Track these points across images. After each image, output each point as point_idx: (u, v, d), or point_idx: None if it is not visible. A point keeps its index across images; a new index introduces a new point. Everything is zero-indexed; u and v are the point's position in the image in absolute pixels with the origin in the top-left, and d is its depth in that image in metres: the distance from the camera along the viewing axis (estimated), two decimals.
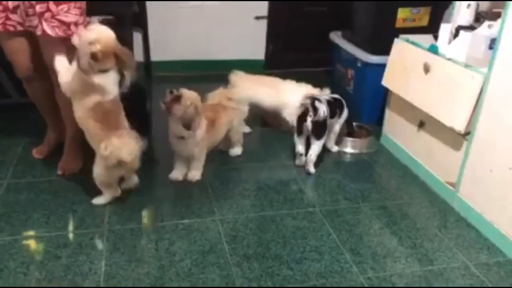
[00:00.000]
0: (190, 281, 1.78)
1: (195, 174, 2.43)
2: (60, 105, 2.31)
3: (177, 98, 2.21)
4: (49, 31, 2.03)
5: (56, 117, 2.43)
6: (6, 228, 2.00)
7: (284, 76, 3.04)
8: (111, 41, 1.96)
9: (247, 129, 3.05)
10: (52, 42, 2.07)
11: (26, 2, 2.02)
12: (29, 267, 1.80)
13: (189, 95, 2.24)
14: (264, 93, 2.87)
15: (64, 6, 2.03)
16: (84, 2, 2.12)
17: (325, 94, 2.82)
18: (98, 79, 1.96)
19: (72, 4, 2.04)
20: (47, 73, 2.19)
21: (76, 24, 2.07)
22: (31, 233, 2.00)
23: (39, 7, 2.01)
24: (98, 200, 2.18)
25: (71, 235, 2.02)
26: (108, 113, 2.02)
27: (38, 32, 2.05)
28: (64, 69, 2.05)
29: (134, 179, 2.29)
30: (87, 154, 2.23)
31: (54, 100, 2.32)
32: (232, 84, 2.97)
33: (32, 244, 1.95)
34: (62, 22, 2.04)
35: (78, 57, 1.94)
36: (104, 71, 1.96)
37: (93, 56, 1.90)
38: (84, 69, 1.93)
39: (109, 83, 2.00)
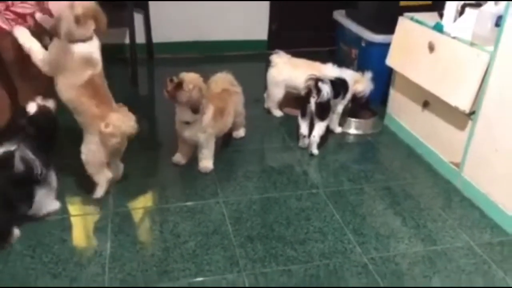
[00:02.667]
0: (195, 263, 1.79)
1: (207, 164, 2.38)
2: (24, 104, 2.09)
3: (179, 85, 2.16)
4: (3, 24, 1.90)
5: None
6: None
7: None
8: (90, 3, 1.87)
9: (279, 113, 3.04)
10: (11, 37, 1.91)
11: None
12: (35, 249, 1.82)
13: (190, 79, 2.19)
14: (303, 75, 2.70)
15: None
16: None
17: (367, 76, 2.82)
18: (84, 47, 1.87)
19: None
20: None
21: (32, 15, 1.94)
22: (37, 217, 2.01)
23: None
24: (98, 192, 2.10)
25: (76, 218, 2.04)
26: (99, 88, 1.95)
27: None
28: (36, 45, 1.89)
29: (120, 167, 2.22)
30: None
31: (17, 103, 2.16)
32: (272, 64, 2.94)
33: (38, 227, 1.97)
34: (17, 14, 1.91)
35: (58, 27, 1.81)
36: (87, 39, 1.88)
37: (76, 19, 1.79)
38: (69, 34, 1.80)
39: (96, 51, 1.92)
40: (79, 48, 1.86)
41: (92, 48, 1.91)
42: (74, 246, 1.87)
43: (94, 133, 1.95)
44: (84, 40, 1.87)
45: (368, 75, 2.85)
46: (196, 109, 2.19)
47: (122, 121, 1.94)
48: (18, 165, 1.77)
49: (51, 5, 2.01)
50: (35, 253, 1.80)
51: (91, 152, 1.99)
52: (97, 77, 1.93)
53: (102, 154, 2.00)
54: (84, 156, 2.00)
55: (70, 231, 1.95)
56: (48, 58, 1.89)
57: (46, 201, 1.94)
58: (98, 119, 1.92)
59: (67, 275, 1.71)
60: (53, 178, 1.95)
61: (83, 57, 1.88)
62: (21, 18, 1.91)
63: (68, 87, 1.90)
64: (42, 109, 1.92)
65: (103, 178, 2.08)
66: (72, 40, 1.84)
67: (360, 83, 2.83)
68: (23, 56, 1.94)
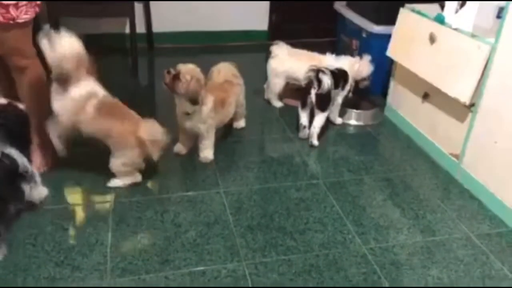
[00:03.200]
0: (195, 252, 1.81)
1: (207, 154, 2.39)
2: (22, 97, 2.11)
3: (176, 76, 2.17)
4: None
5: None
6: None
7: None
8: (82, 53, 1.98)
9: (279, 104, 3.04)
10: None
11: None
12: (37, 238, 1.83)
13: (187, 70, 2.19)
14: (303, 66, 2.71)
15: None
16: None
17: (366, 59, 2.83)
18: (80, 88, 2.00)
19: None
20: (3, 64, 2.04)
21: (16, 6, 1.88)
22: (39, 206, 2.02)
23: None
24: (114, 183, 2.15)
25: (78, 208, 2.05)
26: (114, 107, 2.07)
27: None
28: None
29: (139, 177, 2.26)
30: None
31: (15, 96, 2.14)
32: (273, 55, 2.94)
33: (40, 216, 1.98)
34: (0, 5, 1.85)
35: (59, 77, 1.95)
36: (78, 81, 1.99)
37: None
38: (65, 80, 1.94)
39: (95, 86, 2.05)
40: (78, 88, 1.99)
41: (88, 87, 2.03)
42: (76, 235, 1.89)
43: (126, 147, 2.06)
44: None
45: (367, 57, 2.84)
46: (194, 100, 2.19)
47: (150, 128, 2.07)
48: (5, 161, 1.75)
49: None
50: (36, 242, 1.82)
51: (124, 164, 2.09)
52: (106, 98, 2.07)
53: (136, 162, 2.11)
54: (116, 168, 2.10)
55: (72, 220, 1.96)
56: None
57: (34, 193, 1.95)
58: (125, 133, 2.04)
59: (69, 263, 1.72)
60: (35, 173, 1.95)
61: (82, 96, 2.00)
62: (4, 9, 1.86)
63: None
64: (11, 103, 1.93)
65: (130, 180, 2.16)
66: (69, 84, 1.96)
67: (360, 66, 2.82)
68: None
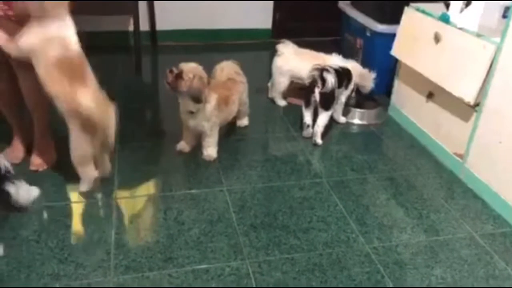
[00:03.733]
0: (199, 250, 1.81)
1: (211, 152, 2.39)
2: (26, 93, 2.09)
3: (179, 75, 2.16)
4: None
5: (22, 113, 2.23)
6: None
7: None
8: None
9: (283, 103, 3.04)
10: None
11: None
12: (40, 235, 1.84)
13: (189, 68, 2.18)
14: (308, 65, 2.70)
15: None
16: None
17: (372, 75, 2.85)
18: (56, 27, 1.82)
19: None
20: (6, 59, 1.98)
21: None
22: (42, 203, 2.03)
23: None
24: (82, 187, 2.07)
25: (81, 205, 2.05)
26: (76, 66, 1.87)
27: None
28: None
29: (107, 165, 2.17)
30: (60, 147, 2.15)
31: (19, 92, 2.11)
32: (278, 53, 2.93)
33: (43, 213, 1.98)
34: (2, 1, 1.83)
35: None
36: (58, 16, 1.81)
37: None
38: (39, 10, 1.75)
39: (70, 32, 1.87)
40: (51, 27, 1.81)
41: (66, 29, 1.85)
42: (79, 232, 1.89)
43: (73, 121, 1.88)
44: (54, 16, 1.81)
45: (373, 74, 2.85)
46: (198, 99, 2.19)
47: (96, 102, 1.88)
48: None
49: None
50: (40, 238, 1.82)
51: (73, 142, 1.94)
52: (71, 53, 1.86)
53: (84, 145, 1.95)
54: (71, 151, 1.95)
55: (75, 217, 1.96)
56: (26, 43, 1.83)
57: (22, 193, 1.89)
58: (70, 98, 1.84)
59: (73, 260, 1.73)
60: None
61: (54, 37, 1.82)
62: (7, 6, 1.85)
63: (41, 67, 1.84)
64: None
65: (87, 176, 2.04)
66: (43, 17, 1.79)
67: (362, 80, 2.83)
68: None
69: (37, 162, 2.23)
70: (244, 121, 2.75)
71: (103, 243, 1.82)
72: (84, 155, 1.99)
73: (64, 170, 2.20)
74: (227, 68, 2.50)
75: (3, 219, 1.89)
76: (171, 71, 2.17)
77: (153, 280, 1.67)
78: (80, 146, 1.95)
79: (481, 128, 2.21)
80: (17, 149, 2.29)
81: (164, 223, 1.95)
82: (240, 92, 2.53)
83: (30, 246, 1.78)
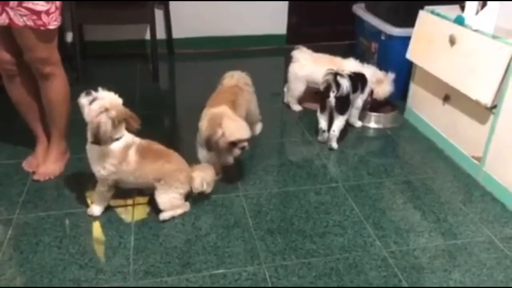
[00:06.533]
0: (216, 255, 1.83)
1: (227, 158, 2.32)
2: (46, 103, 2.16)
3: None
4: (16, 20, 1.88)
5: (43, 120, 2.28)
6: (39, 204, 2.09)
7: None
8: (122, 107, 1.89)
9: (298, 108, 3.05)
10: (25, 34, 1.92)
11: None
12: (62, 241, 1.88)
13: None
14: (325, 70, 2.64)
15: None
16: None
17: (390, 78, 2.86)
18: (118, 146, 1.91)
19: None
20: (28, 67, 2.05)
21: (47, 13, 1.91)
22: (64, 210, 2.07)
23: None
24: (164, 216, 2.03)
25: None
26: (151, 147, 2.01)
27: (5, 21, 1.89)
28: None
29: None
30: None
31: (40, 100, 2.18)
32: (294, 59, 2.95)
33: (64, 219, 2.03)
34: (30, 11, 1.88)
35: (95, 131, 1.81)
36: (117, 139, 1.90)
37: (112, 122, 1.81)
38: (105, 139, 1.83)
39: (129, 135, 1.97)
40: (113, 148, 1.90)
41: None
42: (99, 238, 1.93)
43: (174, 184, 1.99)
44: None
45: (391, 76, 2.84)
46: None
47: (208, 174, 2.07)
48: None
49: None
50: (62, 244, 1.87)
51: (174, 199, 2.01)
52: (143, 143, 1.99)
53: (183, 195, 2.06)
54: (163, 205, 2.00)
55: (95, 223, 2.00)
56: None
57: None
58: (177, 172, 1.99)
59: (93, 265, 1.77)
60: None
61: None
62: (36, 15, 1.90)
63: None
64: None
65: (181, 210, 2.07)
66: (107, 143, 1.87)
67: (381, 84, 2.83)
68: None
69: (42, 172, 2.25)
70: (257, 128, 2.73)
71: (122, 248, 1.86)
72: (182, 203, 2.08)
73: (81, 177, 2.25)
74: (236, 76, 2.50)
75: (26, 226, 1.95)
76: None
77: (171, 285, 1.70)
78: (179, 200, 2.05)
79: (499, 130, 2.19)
80: (39, 157, 2.34)
81: (181, 229, 1.98)
82: (247, 100, 2.47)
83: (52, 252, 1.83)
